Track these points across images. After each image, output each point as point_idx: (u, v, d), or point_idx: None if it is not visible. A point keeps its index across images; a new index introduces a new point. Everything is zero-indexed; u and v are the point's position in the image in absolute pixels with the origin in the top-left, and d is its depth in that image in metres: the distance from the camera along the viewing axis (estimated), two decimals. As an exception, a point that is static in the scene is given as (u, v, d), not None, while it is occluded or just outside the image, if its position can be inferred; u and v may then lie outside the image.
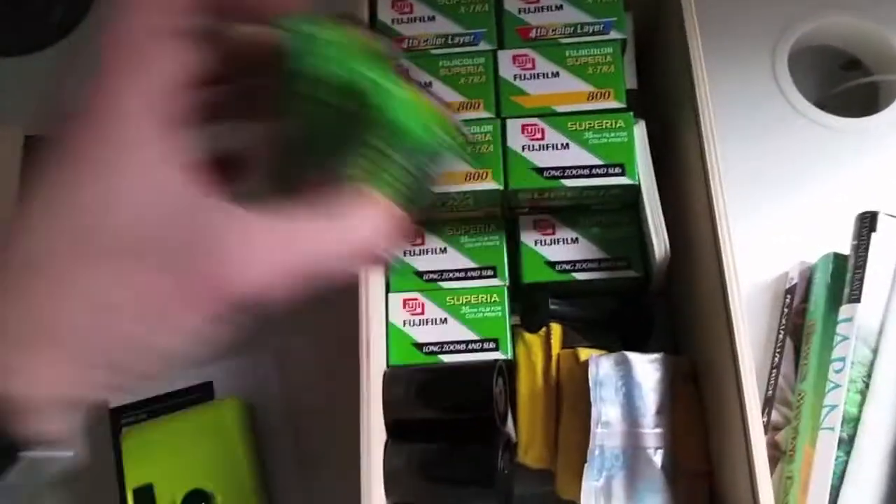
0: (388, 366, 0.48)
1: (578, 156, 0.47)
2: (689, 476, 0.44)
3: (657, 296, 0.52)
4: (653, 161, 0.48)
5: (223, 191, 0.20)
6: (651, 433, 0.44)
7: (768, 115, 0.62)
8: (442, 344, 0.49)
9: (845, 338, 0.48)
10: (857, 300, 0.49)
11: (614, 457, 0.44)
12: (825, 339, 0.50)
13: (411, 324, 0.49)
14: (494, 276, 0.50)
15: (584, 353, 0.47)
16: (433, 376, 0.47)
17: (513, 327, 0.50)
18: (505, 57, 0.49)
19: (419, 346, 0.49)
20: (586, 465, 0.43)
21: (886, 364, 0.47)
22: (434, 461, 0.46)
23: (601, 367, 0.45)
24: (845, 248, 0.52)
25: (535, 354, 0.48)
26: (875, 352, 0.48)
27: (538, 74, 0.48)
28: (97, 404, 0.58)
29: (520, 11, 0.50)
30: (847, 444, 0.46)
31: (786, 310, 0.55)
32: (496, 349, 0.48)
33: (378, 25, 0.50)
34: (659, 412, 0.45)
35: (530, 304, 0.50)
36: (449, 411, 0.47)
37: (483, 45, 0.49)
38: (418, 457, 0.45)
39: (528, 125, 0.48)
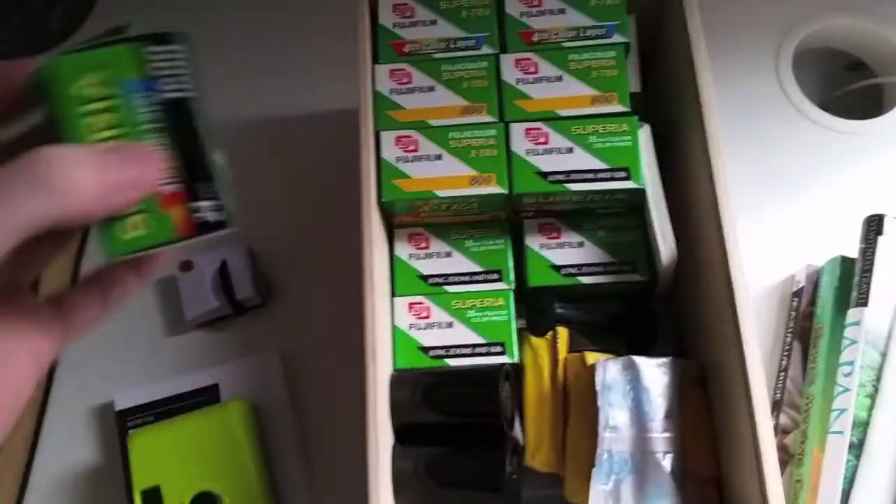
0: (394, 369, 0.48)
1: (583, 160, 0.47)
2: (698, 481, 0.44)
3: (663, 299, 0.52)
4: (657, 163, 0.48)
5: None
6: (660, 437, 0.44)
7: (772, 117, 0.62)
8: (448, 347, 0.49)
9: (854, 341, 0.48)
10: (865, 304, 0.48)
11: (623, 461, 0.44)
12: (833, 342, 0.50)
13: (417, 327, 0.49)
14: (500, 279, 0.50)
15: (591, 357, 0.47)
16: (440, 380, 0.47)
17: (519, 331, 0.49)
18: (508, 61, 0.49)
19: (425, 349, 0.49)
20: (594, 469, 0.43)
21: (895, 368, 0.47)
22: (442, 465, 0.45)
23: (609, 371, 0.45)
24: (851, 250, 0.52)
25: (541, 358, 0.48)
26: (884, 355, 0.48)
27: (541, 78, 0.48)
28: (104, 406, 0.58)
29: (522, 15, 0.50)
30: (857, 448, 0.46)
31: (793, 313, 0.55)
32: (502, 353, 0.48)
33: (380, 30, 0.50)
34: (667, 416, 0.44)
35: (536, 307, 0.50)
36: (456, 415, 0.47)
37: (485, 49, 0.49)
38: (426, 460, 0.45)
39: (531, 129, 0.48)
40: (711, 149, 0.44)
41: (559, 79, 0.48)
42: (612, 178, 0.46)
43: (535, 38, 0.49)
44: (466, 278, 0.50)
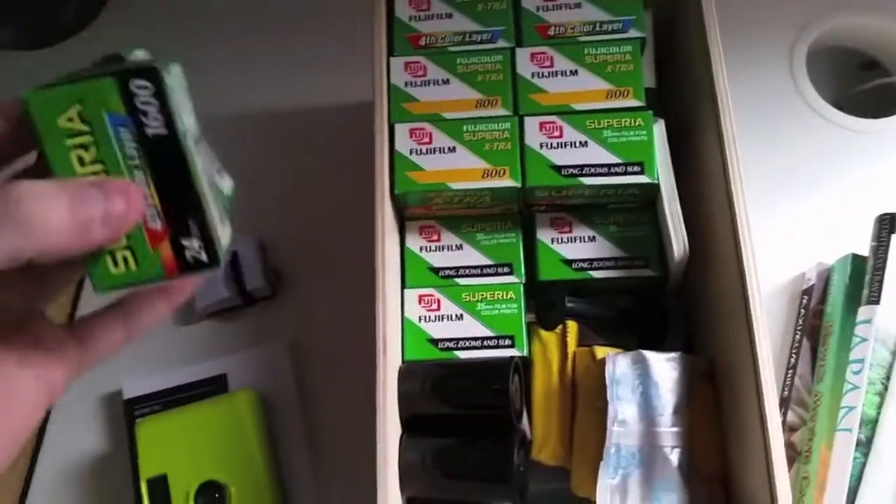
0: (403, 361, 0.48)
1: (597, 154, 0.47)
2: (706, 477, 0.44)
3: (674, 295, 0.52)
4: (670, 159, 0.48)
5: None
6: (668, 432, 0.44)
7: (785, 115, 0.61)
8: (457, 340, 0.49)
9: (864, 339, 0.48)
10: (877, 302, 0.48)
11: (630, 455, 0.44)
12: (843, 340, 0.50)
13: (427, 319, 0.49)
14: (510, 273, 0.50)
15: (601, 352, 0.47)
16: (449, 371, 0.47)
17: (529, 324, 0.49)
18: (523, 54, 0.49)
19: (434, 341, 0.49)
20: (602, 463, 0.43)
21: (905, 366, 0.47)
22: (449, 456, 0.46)
23: (618, 365, 0.45)
24: (861, 248, 0.52)
25: (550, 352, 0.48)
26: (894, 354, 0.48)
27: (556, 72, 0.48)
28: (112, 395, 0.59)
29: (538, 9, 0.50)
30: (864, 446, 0.46)
31: (802, 311, 0.55)
32: (512, 346, 0.48)
33: (396, 23, 0.50)
34: (676, 411, 0.44)
35: (547, 301, 0.50)
36: (464, 407, 0.47)
37: (501, 43, 0.49)
38: (433, 452, 0.45)
39: (546, 123, 0.48)
40: (725, 145, 0.44)
41: (574, 73, 0.48)
42: (626, 173, 0.46)
43: (551, 32, 0.49)
44: (477, 271, 0.50)
